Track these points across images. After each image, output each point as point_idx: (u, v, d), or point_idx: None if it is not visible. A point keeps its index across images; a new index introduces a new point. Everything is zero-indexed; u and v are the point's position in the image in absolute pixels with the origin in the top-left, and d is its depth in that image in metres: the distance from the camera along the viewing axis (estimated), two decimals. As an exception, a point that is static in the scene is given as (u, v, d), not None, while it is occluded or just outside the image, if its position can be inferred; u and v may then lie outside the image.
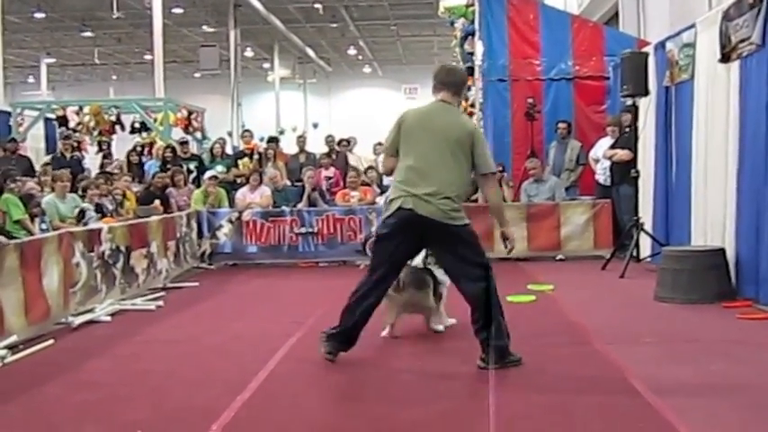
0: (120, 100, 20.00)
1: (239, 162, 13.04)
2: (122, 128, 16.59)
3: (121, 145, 16.59)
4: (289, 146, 16.44)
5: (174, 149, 13.19)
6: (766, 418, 3.96)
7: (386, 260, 5.18)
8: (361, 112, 37.26)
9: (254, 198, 11.47)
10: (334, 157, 13.47)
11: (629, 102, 9.58)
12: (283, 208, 11.30)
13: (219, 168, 12.55)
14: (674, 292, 7.20)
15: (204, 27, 30.58)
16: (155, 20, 19.99)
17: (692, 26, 8.33)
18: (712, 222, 7.82)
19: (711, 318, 6.54)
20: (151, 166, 13.37)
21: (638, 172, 9.40)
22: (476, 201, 10.04)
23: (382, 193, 11.18)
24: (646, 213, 9.53)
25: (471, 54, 12.63)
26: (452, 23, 14.10)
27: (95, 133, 16.04)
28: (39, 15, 27.26)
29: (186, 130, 16.99)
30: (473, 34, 12.49)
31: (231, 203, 11.55)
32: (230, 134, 22.86)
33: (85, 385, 4.97)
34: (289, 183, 12.43)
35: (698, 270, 7.17)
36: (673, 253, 7.56)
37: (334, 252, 11.00)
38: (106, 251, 7.93)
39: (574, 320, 6.62)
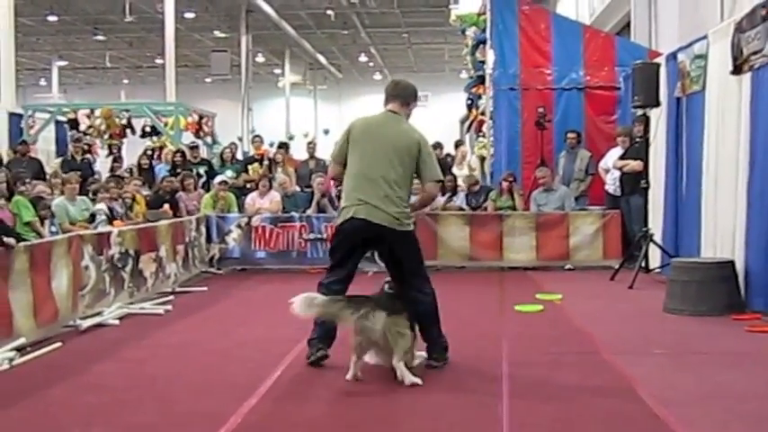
0: (132, 104, 20.06)
1: (249, 167, 13.04)
2: (133, 131, 16.63)
3: (132, 148, 16.66)
4: (299, 152, 16.46)
5: (183, 154, 13.22)
6: (774, 432, 3.95)
7: (341, 265, 5.35)
8: (372, 120, 37.21)
9: (263, 203, 11.47)
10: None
11: (640, 112, 9.57)
12: (292, 214, 11.29)
13: (229, 173, 12.57)
14: (683, 304, 7.18)
15: (216, 32, 30.75)
16: (167, 24, 20.13)
17: (704, 37, 8.31)
18: (722, 234, 7.79)
19: (720, 330, 6.51)
20: (161, 170, 13.40)
21: (648, 183, 9.39)
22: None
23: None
24: (656, 224, 9.50)
25: (482, 62, 12.66)
26: (464, 32, 14.09)
27: (106, 136, 16.06)
28: (51, 18, 27.48)
29: (197, 134, 17.07)
30: (484, 43, 12.53)
31: (240, 209, 11.55)
32: (240, 139, 22.91)
33: (93, 388, 4.98)
34: (298, 189, 12.44)
35: (707, 282, 7.15)
36: (682, 264, 7.53)
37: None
38: (115, 255, 7.95)
39: (582, 330, 6.60)
